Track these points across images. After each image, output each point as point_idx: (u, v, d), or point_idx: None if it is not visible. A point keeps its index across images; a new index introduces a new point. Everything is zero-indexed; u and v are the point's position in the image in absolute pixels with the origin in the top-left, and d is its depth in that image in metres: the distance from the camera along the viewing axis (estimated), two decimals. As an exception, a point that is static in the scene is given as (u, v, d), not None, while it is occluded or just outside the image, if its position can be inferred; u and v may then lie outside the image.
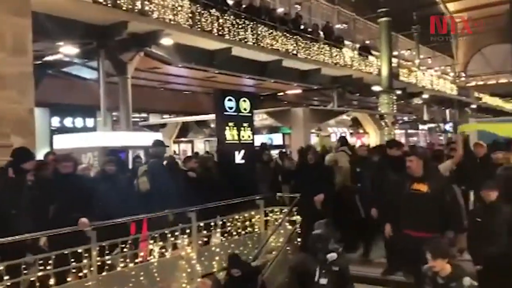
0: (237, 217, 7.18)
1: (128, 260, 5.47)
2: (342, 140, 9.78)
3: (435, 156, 7.89)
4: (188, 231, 6.28)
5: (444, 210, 5.12)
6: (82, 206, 5.30)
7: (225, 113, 7.44)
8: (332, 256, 4.68)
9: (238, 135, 7.61)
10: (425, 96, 29.65)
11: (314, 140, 15.86)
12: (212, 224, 6.77)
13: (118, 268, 5.41)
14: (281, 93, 22.80)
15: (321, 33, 21.57)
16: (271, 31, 17.26)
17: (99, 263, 5.11)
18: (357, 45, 26.48)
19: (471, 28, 44.32)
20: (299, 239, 7.56)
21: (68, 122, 16.87)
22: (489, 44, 43.76)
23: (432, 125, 30.05)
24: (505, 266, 4.80)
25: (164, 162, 7.08)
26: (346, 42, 24.64)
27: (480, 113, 36.06)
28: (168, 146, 10.21)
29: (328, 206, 7.34)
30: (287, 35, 18.22)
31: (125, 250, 5.42)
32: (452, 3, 44.21)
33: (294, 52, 18.54)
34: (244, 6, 17.31)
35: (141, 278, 5.53)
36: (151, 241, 5.84)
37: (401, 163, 6.04)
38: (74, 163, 5.88)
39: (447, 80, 36.19)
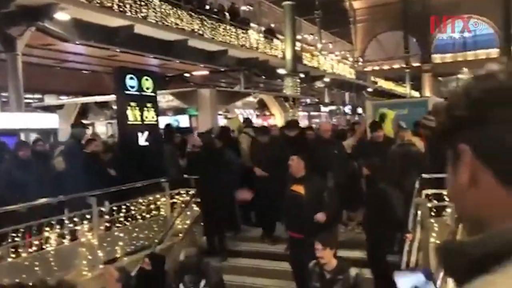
0: (141, 200, 6.98)
1: (21, 250, 5.08)
2: (247, 122, 9.88)
3: (338, 134, 8.29)
4: (88, 216, 5.99)
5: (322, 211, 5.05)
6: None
7: (127, 92, 7.09)
8: None
9: (141, 116, 7.31)
10: (327, 79, 30.94)
11: (222, 122, 15.85)
12: (115, 208, 6.52)
13: (9, 259, 5.00)
14: (188, 74, 22.41)
15: (227, 14, 21.48)
16: (175, 9, 16.81)
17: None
18: (263, 28, 26.79)
19: (368, 15, 47.12)
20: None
21: None
22: (384, 31, 46.70)
23: (333, 107, 31.58)
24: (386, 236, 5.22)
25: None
26: (252, 25, 24.80)
27: (375, 96, 38.49)
28: (88, 128, 9.84)
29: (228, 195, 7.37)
30: (192, 14, 17.89)
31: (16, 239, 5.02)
32: (351, -10, 46.45)
33: (200, 32, 18.27)
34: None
35: (36, 268, 5.16)
36: (47, 229, 5.46)
37: (299, 142, 6.23)
38: None
39: (346, 64, 38.10)
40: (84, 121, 16.04)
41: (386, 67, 45.66)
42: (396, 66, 44.09)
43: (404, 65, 39.09)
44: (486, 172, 0.62)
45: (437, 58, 45.85)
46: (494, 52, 43.08)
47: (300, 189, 5.16)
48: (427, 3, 44.04)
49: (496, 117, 0.61)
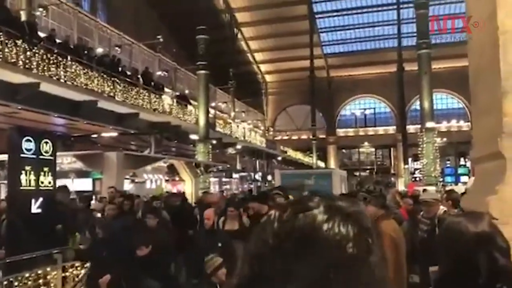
0: (28, 274, 6.30)
1: None
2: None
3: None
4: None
5: None
6: None
7: (22, 155, 6.57)
8: None
9: (37, 181, 6.77)
10: (238, 146, 31.52)
11: (128, 187, 15.25)
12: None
13: None
14: (95, 135, 21.62)
15: (140, 77, 21.48)
16: (86, 70, 16.46)
17: None
18: (177, 93, 27.04)
19: (279, 88, 49.83)
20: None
21: None
22: (293, 104, 49.46)
23: (244, 174, 32.00)
24: None
25: None
26: (167, 90, 24.94)
27: (284, 164, 39.79)
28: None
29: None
30: (104, 76, 17.61)
31: None
32: (264, 64, 49.09)
33: (111, 94, 17.95)
34: (58, 41, 16.22)
35: None
36: None
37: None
38: None
39: (258, 133, 39.28)
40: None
41: (294, 137, 47.85)
42: (304, 137, 46.40)
43: (311, 137, 41.21)
44: None
45: (340, 132, 49.11)
46: (391, 129, 47.16)
47: None
48: (331, 82, 47.83)
49: (272, 271, 0.56)
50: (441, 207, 5.39)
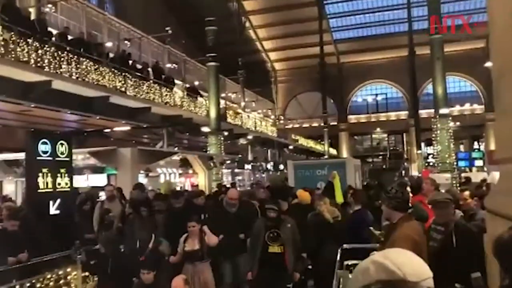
0: (49, 275, 6.38)
1: None
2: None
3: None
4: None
5: None
6: None
7: (39, 158, 6.63)
8: None
9: (54, 182, 6.83)
10: (250, 137, 31.48)
11: (143, 181, 15.35)
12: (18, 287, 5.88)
13: None
14: (108, 130, 21.74)
15: (150, 71, 21.46)
16: (97, 66, 16.49)
17: None
18: (187, 85, 27.01)
19: (288, 76, 49.53)
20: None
21: None
22: (303, 91, 49.14)
23: (256, 164, 31.99)
24: None
25: None
26: (177, 82, 24.93)
27: (296, 153, 39.68)
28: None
29: None
30: (115, 71, 17.64)
31: None
32: (273, 52, 48.76)
33: (123, 89, 17.99)
34: (71, 38, 16.26)
35: None
36: None
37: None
38: None
39: (268, 122, 39.18)
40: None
41: (305, 125, 47.62)
42: (315, 124, 46.16)
43: (323, 124, 40.96)
44: None
45: (352, 118, 48.74)
46: (403, 114, 46.72)
47: None
48: (342, 68, 47.37)
49: None
50: (457, 211, 5.08)
